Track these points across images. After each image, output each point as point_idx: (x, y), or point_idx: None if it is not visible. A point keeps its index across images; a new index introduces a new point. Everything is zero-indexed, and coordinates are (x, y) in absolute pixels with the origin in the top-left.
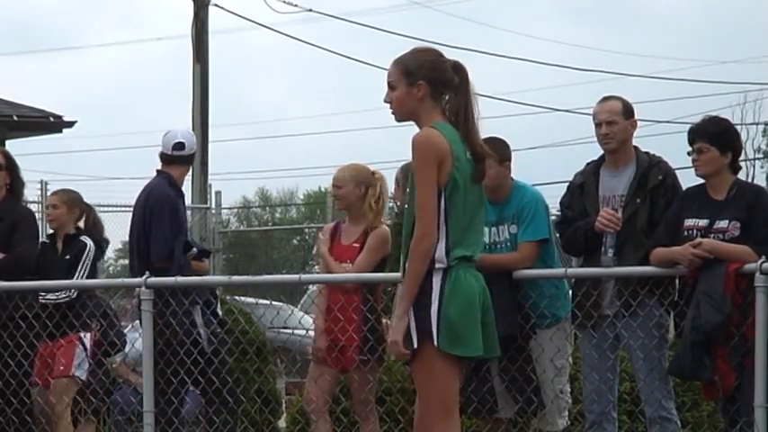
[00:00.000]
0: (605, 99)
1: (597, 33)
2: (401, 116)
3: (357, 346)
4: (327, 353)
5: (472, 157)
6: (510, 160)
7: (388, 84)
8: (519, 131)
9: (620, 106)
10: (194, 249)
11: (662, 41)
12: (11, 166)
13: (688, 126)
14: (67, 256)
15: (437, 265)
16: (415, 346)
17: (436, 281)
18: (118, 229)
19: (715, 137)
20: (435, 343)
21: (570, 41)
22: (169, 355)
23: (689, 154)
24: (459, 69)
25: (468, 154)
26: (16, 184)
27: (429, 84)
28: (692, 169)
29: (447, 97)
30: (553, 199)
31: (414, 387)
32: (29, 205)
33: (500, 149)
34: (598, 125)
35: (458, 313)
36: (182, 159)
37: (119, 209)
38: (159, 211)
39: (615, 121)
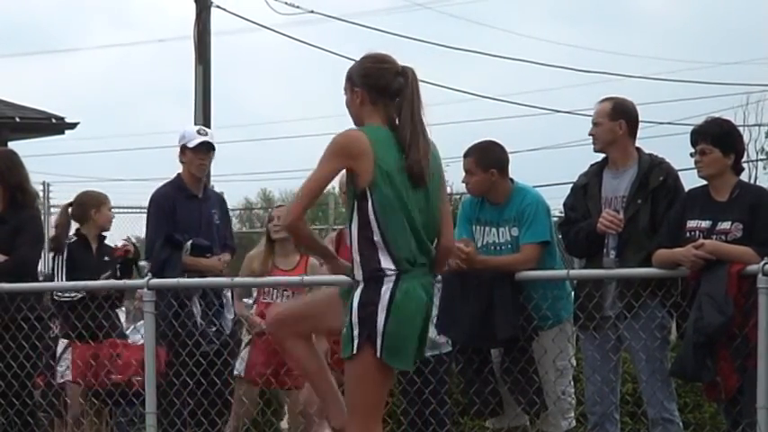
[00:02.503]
0: (601, 101)
1: (598, 35)
2: (353, 119)
3: None
4: (330, 356)
5: (407, 161)
6: (498, 167)
7: (343, 89)
8: (520, 133)
9: (609, 108)
10: (187, 245)
11: (664, 43)
12: (8, 170)
13: (690, 127)
14: (106, 258)
15: (387, 273)
16: (355, 351)
17: (385, 290)
18: (121, 231)
19: (718, 138)
20: (378, 354)
21: (571, 43)
22: (172, 357)
23: (692, 155)
24: (404, 75)
25: (403, 158)
26: (19, 186)
27: (365, 89)
28: (695, 171)
29: (396, 101)
30: (554, 200)
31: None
32: None
33: (485, 156)
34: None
35: (402, 328)
36: (179, 159)
37: (123, 210)
38: (148, 212)
39: (599, 123)
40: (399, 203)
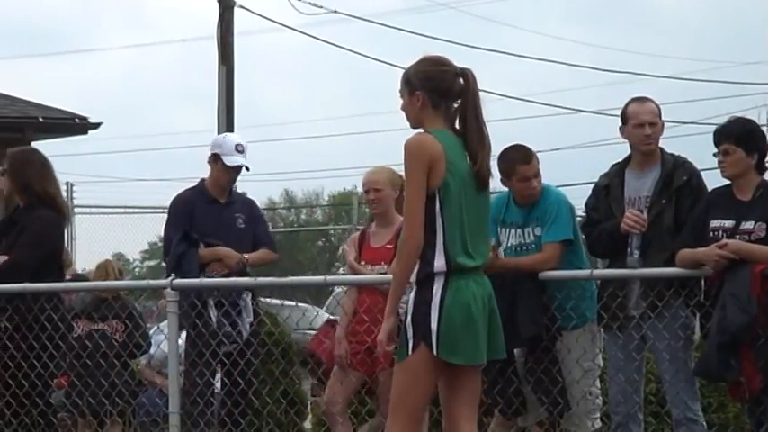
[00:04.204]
0: (644, 100)
1: (620, 35)
2: (411, 123)
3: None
4: (353, 356)
5: (472, 163)
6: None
7: (399, 92)
8: (541, 132)
9: (655, 107)
10: (201, 245)
11: (686, 43)
12: (15, 170)
13: (713, 127)
14: None
15: (437, 272)
16: (410, 352)
17: (437, 289)
18: (143, 231)
19: (741, 138)
20: (435, 351)
21: (593, 42)
22: (194, 357)
23: (715, 155)
24: (464, 77)
25: (468, 161)
26: (27, 186)
27: (426, 93)
28: (718, 170)
29: (456, 104)
30: (576, 200)
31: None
32: None
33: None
34: (640, 126)
35: (458, 323)
36: (208, 162)
37: (144, 210)
38: (167, 215)
39: (656, 123)
40: (463, 207)
